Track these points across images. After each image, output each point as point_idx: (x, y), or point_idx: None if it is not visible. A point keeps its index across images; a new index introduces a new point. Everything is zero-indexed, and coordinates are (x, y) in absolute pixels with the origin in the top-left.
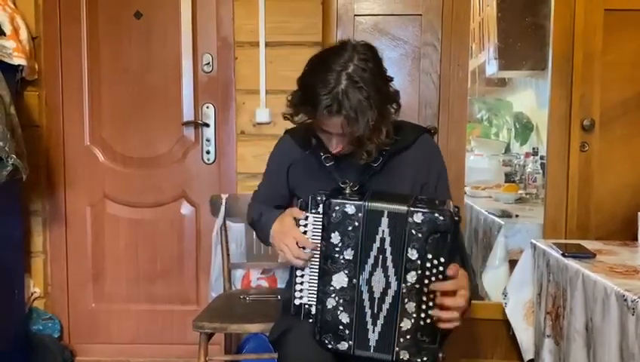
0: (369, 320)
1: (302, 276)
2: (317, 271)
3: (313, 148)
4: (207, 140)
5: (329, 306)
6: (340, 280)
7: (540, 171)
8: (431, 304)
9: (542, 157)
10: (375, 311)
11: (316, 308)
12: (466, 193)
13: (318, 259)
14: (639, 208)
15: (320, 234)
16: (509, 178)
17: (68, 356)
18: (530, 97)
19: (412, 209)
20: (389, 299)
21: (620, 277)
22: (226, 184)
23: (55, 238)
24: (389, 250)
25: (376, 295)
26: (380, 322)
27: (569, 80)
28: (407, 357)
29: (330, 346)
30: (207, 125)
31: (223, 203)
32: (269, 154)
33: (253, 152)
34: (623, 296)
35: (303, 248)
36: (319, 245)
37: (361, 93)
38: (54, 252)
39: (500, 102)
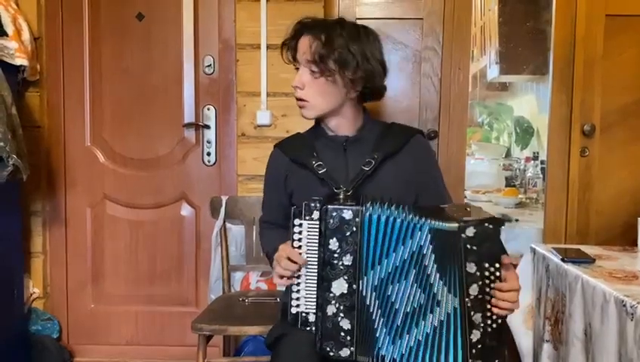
0: (379, 327)
1: (298, 284)
2: (313, 278)
3: (302, 156)
4: (208, 142)
5: (329, 313)
6: (339, 286)
7: (541, 176)
8: (494, 311)
9: (542, 162)
10: (400, 322)
11: (316, 316)
12: (466, 197)
13: (313, 266)
14: (639, 213)
15: (315, 240)
16: (509, 182)
17: (67, 356)
18: (530, 102)
19: (462, 225)
20: (441, 316)
21: (619, 283)
22: (226, 186)
23: (55, 239)
24: (433, 266)
25: (403, 307)
26: (416, 336)
27: (570, 85)
28: None
29: (332, 353)
30: (208, 127)
31: (223, 205)
32: (265, 171)
33: (254, 154)
34: (622, 301)
35: (295, 262)
36: (315, 252)
37: (340, 34)
38: (54, 252)
39: (500, 106)
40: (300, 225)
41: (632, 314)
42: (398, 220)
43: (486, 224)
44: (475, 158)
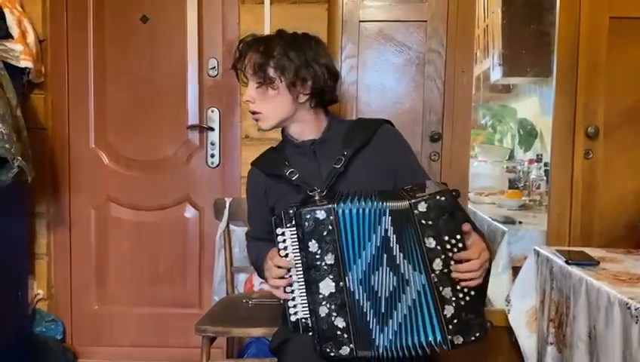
0: (371, 319)
1: (292, 291)
2: (304, 283)
3: (275, 168)
4: (212, 144)
5: (322, 314)
6: (326, 286)
7: (544, 178)
8: (464, 284)
9: (546, 164)
10: (384, 309)
11: (311, 320)
12: (469, 199)
13: (302, 271)
14: None
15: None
16: (512, 184)
17: (70, 358)
18: (534, 104)
19: (413, 201)
20: (412, 295)
21: (623, 285)
22: (229, 188)
23: (59, 240)
24: (396, 247)
25: (384, 293)
26: (397, 319)
27: (573, 87)
28: (462, 340)
29: (332, 354)
30: (212, 129)
31: (227, 207)
32: (246, 188)
33: None
34: (627, 304)
35: (281, 268)
36: (300, 257)
37: (278, 43)
38: (58, 254)
39: (504, 108)
40: (283, 233)
41: (637, 316)
42: (367, 210)
43: (438, 197)
44: (479, 160)
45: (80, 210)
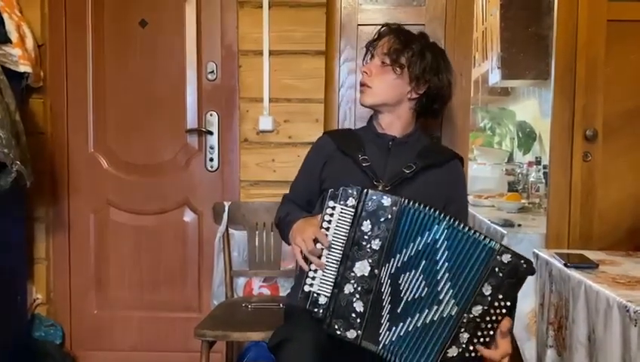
0: (385, 314)
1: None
2: (333, 262)
3: (350, 148)
4: (211, 148)
5: (346, 291)
6: (362, 267)
7: (543, 180)
8: (482, 341)
9: (545, 167)
10: (400, 310)
11: (331, 293)
12: (468, 202)
13: (335, 251)
14: None
15: (344, 226)
16: (511, 187)
17: None
18: (533, 106)
19: (504, 248)
20: (435, 316)
21: (622, 288)
22: (229, 191)
23: (58, 245)
24: (445, 265)
25: (406, 296)
26: (408, 326)
27: (572, 90)
28: None
29: (339, 332)
30: (211, 133)
31: (226, 210)
32: (307, 153)
33: (257, 160)
34: (626, 306)
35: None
36: (340, 238)
37: (419, 41)
38: (57, 258)
39: (503, 111)
40: (334, 208)
41: (636, 319)
42: (422, 214)
43: (522, 261)
44: (478, 163)
45: (79, 214)
